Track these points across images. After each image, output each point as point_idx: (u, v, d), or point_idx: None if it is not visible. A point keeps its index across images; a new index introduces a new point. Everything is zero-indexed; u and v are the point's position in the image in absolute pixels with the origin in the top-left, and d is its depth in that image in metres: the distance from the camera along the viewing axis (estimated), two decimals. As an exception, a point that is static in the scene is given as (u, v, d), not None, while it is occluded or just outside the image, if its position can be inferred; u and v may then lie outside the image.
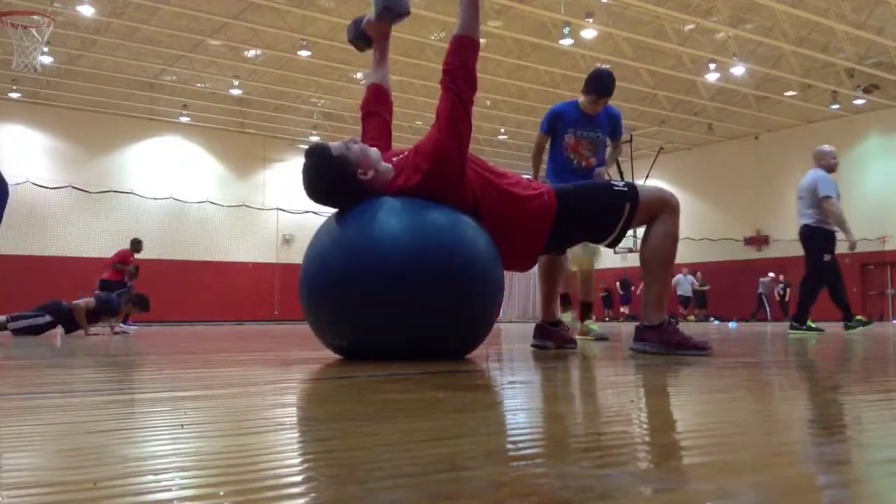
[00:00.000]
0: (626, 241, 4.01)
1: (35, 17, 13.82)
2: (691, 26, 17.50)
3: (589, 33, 17.44)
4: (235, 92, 21.21)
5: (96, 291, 8.20)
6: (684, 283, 22.81)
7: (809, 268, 6.92)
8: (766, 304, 21.82)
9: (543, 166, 5.14)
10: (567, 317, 5.72)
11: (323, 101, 22.75)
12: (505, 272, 3.01)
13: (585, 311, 5.78)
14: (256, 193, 23.81)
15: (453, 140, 2.87)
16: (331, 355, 3.01)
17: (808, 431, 1.21)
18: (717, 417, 1.40)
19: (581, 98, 4.89)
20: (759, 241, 24.26)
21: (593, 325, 5.64)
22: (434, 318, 2.70)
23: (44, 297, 8.68)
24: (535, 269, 3.79)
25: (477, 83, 2.95)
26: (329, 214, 3.00)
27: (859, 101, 20.98)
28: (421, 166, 2.86)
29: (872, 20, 16.78)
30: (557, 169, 4.84)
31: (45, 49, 15.16)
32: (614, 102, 5.08)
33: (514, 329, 10.22)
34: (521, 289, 25.57)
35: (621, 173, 18.56)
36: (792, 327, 6.86)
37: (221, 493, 0.75)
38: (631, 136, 21.70)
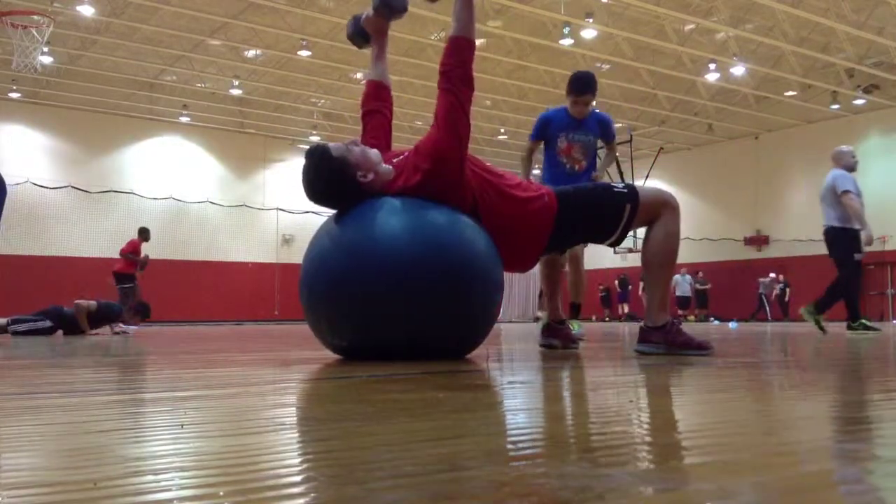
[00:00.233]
0: (627, 242, 3.99)
1: (35, 17, 13.82)
2: (691, 26, 17.51)
3: (589, 33, 17.44)
4: (235, 92, 21.21)
5: (99, 300, 8.22)
6: (683, 284, 22.79)
7: (839, 269, 6.95)
8: (767, 305, 21.82)
9: (536, 172, 5.17)
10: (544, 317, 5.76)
11: (323, 101, 22.76)
12: (505, 272, 3.01)
13: (574, 313, 5.80)
14: (256, 193, 23.82)
15: (452, 140, 2.87)
16: (331, 355, 3.01)
17: (807, 431, 1.21)
18: (717, 417, 1.40)
19: (568, 102, 4.94)
20: (759, 241, 24.27)
21: (576, 325, 5.69)
22: (434, 318, 2.70)
23: (44, 297, 8.71)
24: (536, 269, 3.79)
25: (474, 83, 2.95)
26: (329, 214, 2.99)
27: (859, 101, 20.98)
28: (421, 166, 2.86)
29: (872, 20, 16.79)
30: (552, 174, 4.88)
31: (45, 49, 15.17)
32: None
33: (514, 329, 10.22)
34: (521, 289, 25.59)
35: (621, 174, 18.59)
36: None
37: (221, 493, 0.75)
38: (631, 136, 21.71)
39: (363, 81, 3.50)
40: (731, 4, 16.43)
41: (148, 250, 12.25)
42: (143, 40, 18.09)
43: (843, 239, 6.86)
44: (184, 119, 22.92)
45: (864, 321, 7.01)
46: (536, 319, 16.85)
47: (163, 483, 0.79)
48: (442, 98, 2.91)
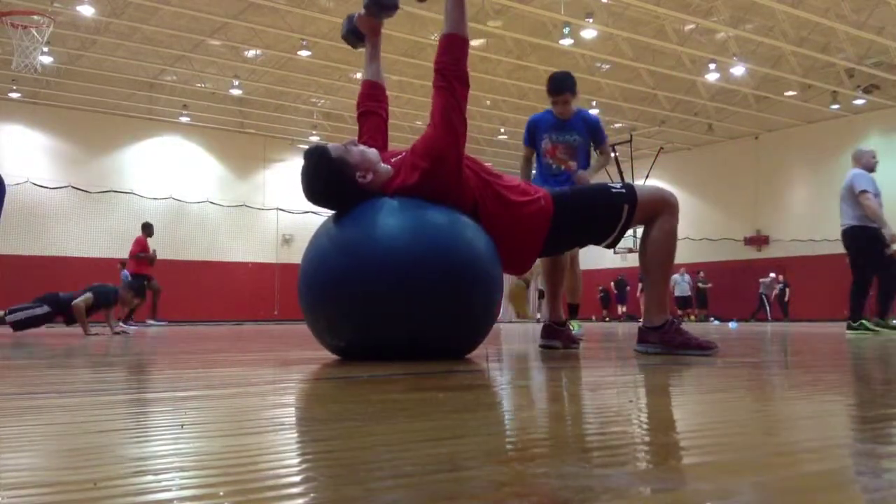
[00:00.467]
0: (626, 241, 3.98)
1: (35, 17, 13.82)
2: (691, 26, 17.50)
3: (589, 33, 17.43)
4: (235, 92, 21.20)
5: (91, 286, 8.09)
6: (682, 284, 22.78)
7: (853, 269, 6.97)
8: (767, 305, 21.81)
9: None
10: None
11: (323, 101, 22.75)
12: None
13: (572, 313, 5.82)
14: (256, 193, 23.81)
15: (449, 138, 2.86)
16: (330, 355, 3.01)
17: (807, 431, 1.21)
18: (717, 417, 1.40)
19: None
20: (759, 241, 24.27)
21: (576, 325, 5.72)
22: (434, 317, 2.70)
23: (44, 297, 8.64)
24: (537, 269, 3.80)
25: (469, 80, 2.94)
26: (329, 215, 2.99)
27: (859, 101, 20.97)
28: (418, 166, 2.85)
29: (872, 20, 16.78)
30: (541, 176, 4.91)
31: (45, 49, 15.17)
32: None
33: (514, 329, 10.22)
34: (521, 289, 25.55)
35: (621, 174, 18.59)
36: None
37: (221, 493, 0.75)
38: (631, 136, 21.72)
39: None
40: (731, 4, 16.43)
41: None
42: (143, 40, 18.08)
43: (861, 238, 6.89)
44: (184, 119, 22.92)
45: (864, 322, 7.02)
46: (537, 320, 16.87)
47: (163, 483, 0.79)
48: (437, 97, 2.91)
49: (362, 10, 3.26)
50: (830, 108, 21.23)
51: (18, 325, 7.81)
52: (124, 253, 13.16)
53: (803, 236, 21.95)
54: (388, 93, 3.41)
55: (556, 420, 1.36)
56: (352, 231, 2.80)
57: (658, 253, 3.09)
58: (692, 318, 22.50)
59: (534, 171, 5.16)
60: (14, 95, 20.41)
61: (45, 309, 7.81)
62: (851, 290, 7.06)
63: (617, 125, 23.82)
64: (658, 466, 0.87)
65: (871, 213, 6.83)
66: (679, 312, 22.35)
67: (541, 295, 13.98)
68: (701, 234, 23.91)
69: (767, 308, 21.67)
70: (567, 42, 17.11)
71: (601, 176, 5.71)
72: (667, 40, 17.59)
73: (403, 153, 3.00)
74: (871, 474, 0.85)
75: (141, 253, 12.18)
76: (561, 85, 4.80)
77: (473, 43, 17.36)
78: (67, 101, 21.10)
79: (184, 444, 1.05)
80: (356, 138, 3.11)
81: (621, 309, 24.99)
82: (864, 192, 6.81)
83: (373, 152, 2.91)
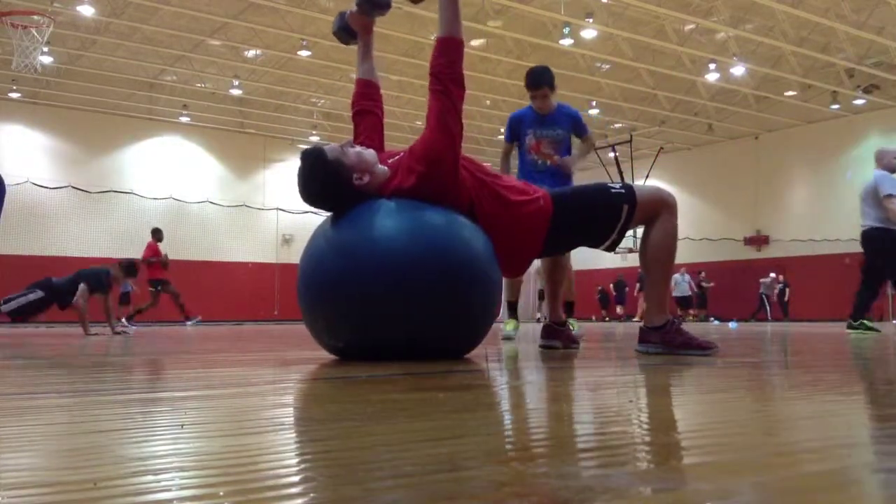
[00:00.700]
0: (626, 242, 3.96)
1: (35, 17, 13.82)
2: (691, 26, 17.51)
3: (589, 33, 17.44)
4: (235, 92, 21.21)
5: (81, 273, 8.02)
6: (682, 284, 22.76)
7: (867, 270, 6.93)
8: (767, 305, 21.81)
9: (514, 171, 5.22)
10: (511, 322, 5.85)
11: (323, 101, 22.75)
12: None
13: (568, 311, 5.83)
14: (256, 193, 23.82)
15: (446, 141, 2.86)
16: (329, 356, 3.01)
17: (807, 431, 1.21)
18: (717, 417, 1.40)
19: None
20: (759, 241, 24.27)
21: (575, 325, 5.74)
22: (433, 318, 2.69)
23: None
24: (536, 269, 3.81)
25: (465, 82, 2.93)
26: (328, 215, 2.99)
27: (859, 101, 20.97)
28: (415, 168, 2.84)
29: (872, 20, 16.79)
30: (526, 172, 4.92)
31: (45, 49, 15.17)
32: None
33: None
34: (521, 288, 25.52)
35: (621, 174, 18.59)
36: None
37: (221, 493, 0.75)
38: (631, 136, 21.70)
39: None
40: (731, 4, 16.43)
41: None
42: (143, 40, 18.08)
43: (882, 240, 6.84)
44: (184, 119, 22.92)
45: (864, 321, 7.02)
46: (538, 320, 16.87)
47: (163, 483, 0.79)
48: (433, 100, 2.90)
49: (354, 8, 3.25)
50: (830, 108, 21.23)
51: (15, 314, 7.74)
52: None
53: (803, 236, 21.95)
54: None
55: (556, 420, 1.36)
56: (349, 232, 2.79)
57: (658, 253, 3.09)
58: (692, 318, 22.49)
59: (514, 170, 5.20)
60: (14, 95, 20.42)
61: (39, 294, 7.72)
62: (859, 290, 7.01)
63: (617, 125, 23.84)
64: (658, 466, 0.87)
65: (894, 217, 6.75)
66: (679, 312, 22.36)
67: (541, 295, 13.99)
68: (701, 234, 23.90)
69: (768, 308, 21.67)
70: (567, 42, 17.11)
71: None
72: (667, 40, 17.59)
73: (401, 153, 2.99)
74: (872, 475, 0.85)
75: (152, 258, 12.31)
76: (539, 79, 4.83)
77: (473, 43, 17.37)
78: (67, 101, 21.10)
79: (183, 444, 1.04)
80: (353, 139, 3.10)
81: (620, 309, 24.98)
82: (890, 196, 6.70)
83: (370, 153, 2.90)
